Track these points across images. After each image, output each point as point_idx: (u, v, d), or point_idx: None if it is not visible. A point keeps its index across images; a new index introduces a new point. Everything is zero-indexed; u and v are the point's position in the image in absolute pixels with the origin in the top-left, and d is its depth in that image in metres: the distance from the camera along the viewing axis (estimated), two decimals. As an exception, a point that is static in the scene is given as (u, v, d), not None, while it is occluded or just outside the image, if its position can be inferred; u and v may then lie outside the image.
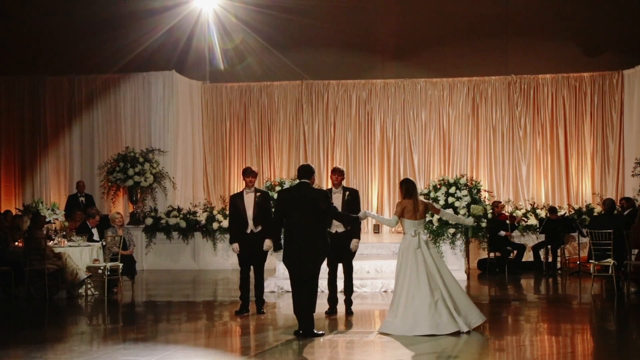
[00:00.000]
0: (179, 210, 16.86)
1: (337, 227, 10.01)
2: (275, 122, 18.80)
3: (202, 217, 16.68)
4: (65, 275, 12.31)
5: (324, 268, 9.31)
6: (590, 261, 12.60)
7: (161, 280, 14.96)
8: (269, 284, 12.45)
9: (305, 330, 8.65)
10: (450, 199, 13.90)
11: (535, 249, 15.73)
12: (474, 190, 14.14)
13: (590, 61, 17.92)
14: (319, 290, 8.95)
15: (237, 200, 10.34)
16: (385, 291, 12.34)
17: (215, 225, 16.50)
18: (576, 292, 12.92)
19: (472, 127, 18.31)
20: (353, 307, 10.29)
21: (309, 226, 8.63)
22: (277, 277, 13.01)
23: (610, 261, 12.15)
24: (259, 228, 10.21)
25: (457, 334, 8.62)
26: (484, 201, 14.65)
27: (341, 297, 10.31)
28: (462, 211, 13.72)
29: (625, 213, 13.85)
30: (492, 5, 17.98)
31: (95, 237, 13.38)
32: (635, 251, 12.29)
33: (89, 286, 12.57)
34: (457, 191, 13.99)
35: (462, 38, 18.12)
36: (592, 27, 17.65)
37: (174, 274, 15.74)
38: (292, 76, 18.47)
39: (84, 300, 12.31)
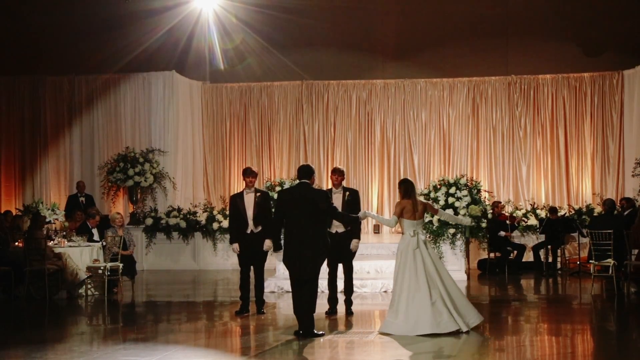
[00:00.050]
0: (179, 210, 16.86)
1: (337, 227, 10.01)
2: (276, 122, 18.80)
3: (202, 217, 16.68)
4: (65, 275, 12.31)
5: (324, 268, 9.31)
6: (591, 261, 12.60)
7: (161, 281, 14.96)
8: (269, 284, 12.45)
9: (306, 330, 8.65)
10: (451, 199, 13.90)
11: (536, 249, 15.73)
12: (474, 190, 14.14)
13: (590, 61, 17.92)
14: (319, 290, 8.95)
15: (237, 200, 10.34)
16: (385, 291, 12.34)
17: (215, 225, 16.50)
18: (576, 293, 12.92)
19: (472, 127, 18.31)
20: (353, 308, 10.29)
21: (309, 226, 8.63)
22: (277, 277, 13.01)
23: (610, 261, 12.15)
24: (259, 228, 10.21)
25: (457, 334, 8.63)
26: (484, 201, 14.65)
27: (341, 298, 10.31)
28: (462, 211, 13.71)
29: (626, 213, 13.84)
30: (492, 5, 17.98)
31: (96, 237, 13.38)
32: (636, 251, 12.28)
33: (89, 286, 12.58)
34: (457, 191, 13.99)
35: (462, 38, 18.12)
36: (592, 27, 17.65)
37: (174, 274, 15.75)
38: (292, 76, 18.48)
39: (84, 300, 12.31)
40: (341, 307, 10.24)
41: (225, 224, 15.90)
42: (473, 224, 13.71)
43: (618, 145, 17.65)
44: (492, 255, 15.45)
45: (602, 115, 17.84)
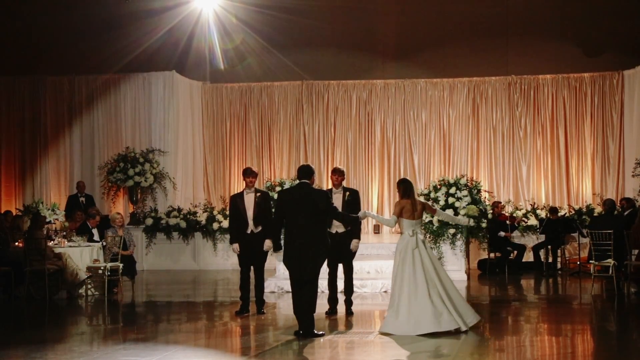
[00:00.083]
0: (179, 210, 16.86)
1: (337, 227, 10.01)
2: (276, 122, 18.80)
3: (202, 217, 16.68)
4: (65, 275, 12.31)
5: (324, 268, 9.30)
6: (591, 261, 12.60)
7: (161, 281, 14.96)
8: (269, 284, 12.45)
9: (306, 330, 8.65)
10: (451, 200, 13.90)
11: (536, 249, 15.73)
12: (474, 190, 14.13)
13: (591, 61, 17.92)
14: (319, 290, 8.95)
15: (237, 200, 10.34)
16: (385, 291, 12.32)
17: (215, 225, 16.50)
18: (576, 293, 12.92)
19: (472, 127, 18.31)
20: (353, 308, 10.29)
21: (309, 226, 8.63)
22: (277, 277, 13.01)
23: (610, 261, 12.15)
24: (259, 228, 10.21)
25: (457, 334, 8.62)
26: (484, 201, 14.65)
27: (341, 298, 10.30)
28: (462, 211, 13.71)
29: (626, 213, 13.84)
30: (492, 5, 17.97)
31: (96, 237, 13.38)
32: (636, 251, 12.28)
33: (89, 286, 12.57)
34: (458, 191, 13.99)
35: (462, 38, 18.12)
36: (592, 27, 17.64)
37: (174, 274, 15.74)
38: (293, 76, 18.48)
39: (84, 300, 12.31)
40: (341, 307, 10.24)
41: (225, 224, 15.90)
42: (472, 224, 13.70)
43: (618, 145, 17.65)
44: (492, 255, 15.45)
45: (602, 115, 17.84)
